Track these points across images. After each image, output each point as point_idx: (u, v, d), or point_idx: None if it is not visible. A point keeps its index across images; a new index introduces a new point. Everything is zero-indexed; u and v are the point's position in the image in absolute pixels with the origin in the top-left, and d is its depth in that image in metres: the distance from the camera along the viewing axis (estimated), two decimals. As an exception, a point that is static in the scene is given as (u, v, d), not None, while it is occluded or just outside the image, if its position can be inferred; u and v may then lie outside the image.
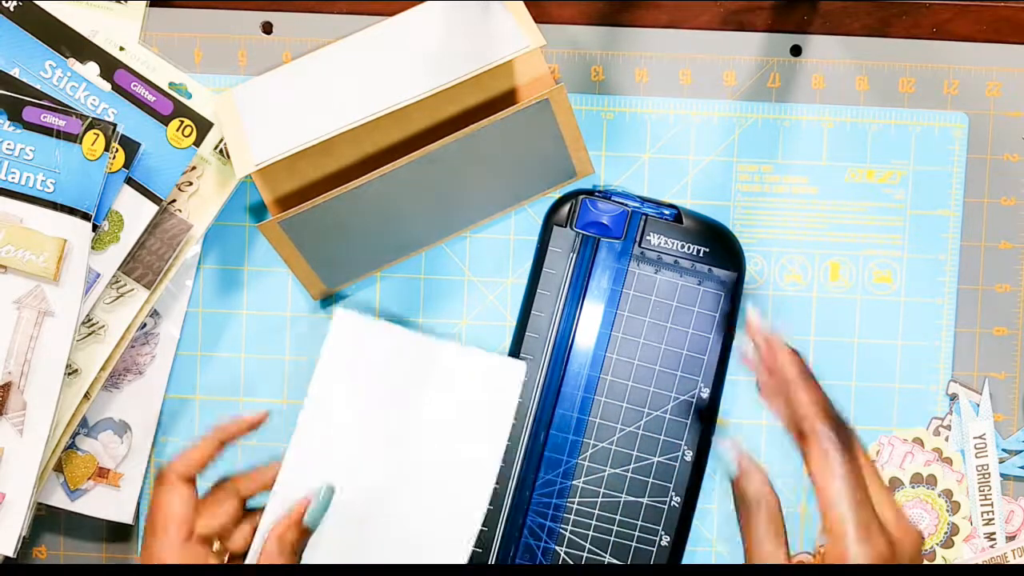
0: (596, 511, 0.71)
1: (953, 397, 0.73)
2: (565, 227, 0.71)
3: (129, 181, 0.69)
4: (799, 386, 0.60)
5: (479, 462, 0.69)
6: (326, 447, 0.68)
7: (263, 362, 0.73)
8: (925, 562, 0.73)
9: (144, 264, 0.70)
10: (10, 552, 0.67)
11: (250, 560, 0.66)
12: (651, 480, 0.71)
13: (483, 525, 0.71)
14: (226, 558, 0.66)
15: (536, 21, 0.67)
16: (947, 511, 0.73)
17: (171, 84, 0.71)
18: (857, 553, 0.57)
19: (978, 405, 0.73)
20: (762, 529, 0.61)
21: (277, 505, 0.67)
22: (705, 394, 0.71)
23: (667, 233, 0.70)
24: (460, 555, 0.69)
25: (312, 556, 0.66)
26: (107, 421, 0.72)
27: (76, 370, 0.70)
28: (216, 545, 0.66)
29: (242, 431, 0.68)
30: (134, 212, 0.69)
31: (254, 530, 0.67)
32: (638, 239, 0.71)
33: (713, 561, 0.73)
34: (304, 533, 0.66)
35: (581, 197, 0.70)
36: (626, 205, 0.71)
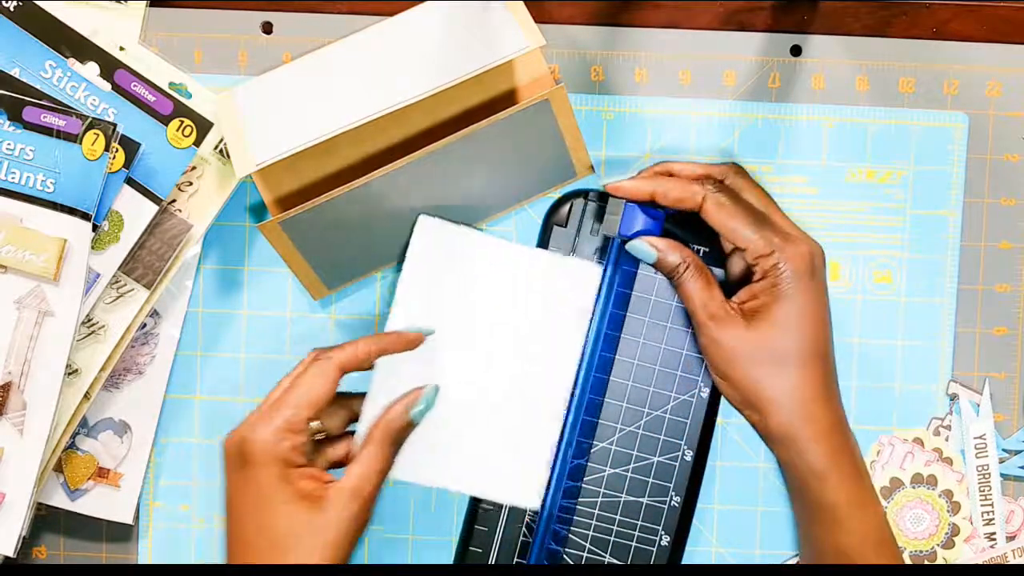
0: (596, 511, 0.71)
1: (953, 397, 0.73)
2: (565, 227, 0.71)
3: (129, 181, 0.69)
4: (688, 174, 0.69)
5: (556, 363, 0.70)
6: (421, 351, 0.68)
7: (263, 362, 0.73)
8: (926, 562, 0.73)
9: (144, 264, 0.70)
10: (10, 552, 0.67)
11: (355, 443, 0.65)
12: (651, 480, 0.71)
13: (483, 526, 0.71)
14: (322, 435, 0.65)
15: (536, 21, 0.67)
16: (947, 511, 0.73)
17: (171, 84, 0.71)
18: (785, 257, 0.65)
19: (978, 405, 0.73)
20: (697, 285, 0.67)
21: (372, 406, 0.66)
22: (705, 394, 0.71)
23: (667, 232, 0.70)
24: (539, 459, 0.70)
25: (403, 453, 0.66)
26: (107, 421, 0.72)
27: (76, 370, 0.70)
28: (315, 424, 0.64)
29: (398, 348, 0.66)
30: (134, 212, 0.69)
31: (347, 416, 0.67)
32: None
33: (713, 561, 0.73)
34: (409, 425, 0.66)
35: (624, 202, 0.68)
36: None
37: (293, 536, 0.60)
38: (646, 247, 0.68)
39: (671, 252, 0.68)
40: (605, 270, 0.70)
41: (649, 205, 0.68)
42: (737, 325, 0.66)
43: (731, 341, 0.66)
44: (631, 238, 0.68)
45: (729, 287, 0.68)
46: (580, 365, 0.70)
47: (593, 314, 0.70)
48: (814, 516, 0.66)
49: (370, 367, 0.66)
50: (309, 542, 0.60)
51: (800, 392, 0.65)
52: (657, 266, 0.69)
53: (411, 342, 0.67)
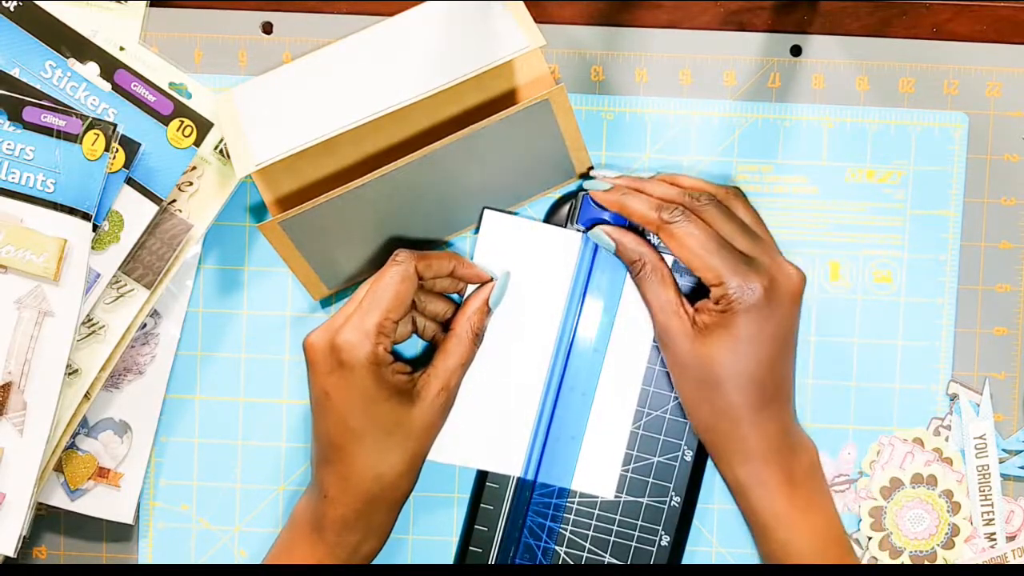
0: (596, 511, 0.71)
1: (953, 397, 0.73)
2: (565, 227, 0.71)
3: (129, 181, 0.69)
4: (650, 191, 0.68)
5: (625, 353, 0.71)
6: (489, 343, 0.70)
7: (263, 362, 0.73)
8: (926, 562, 0.73)
9: (144, 264, 0.70)
10: (10, 552, 0.67)
11: (453, 338, 0.68)
12: (651, 480, 0.71)
13: (483, 525, 0.71)
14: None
15: (536, 21, 0.67)
16: (947, 512, 0.73)
17: (171, 84, 0.72)
18: (738, 288, 0.65)
19: (978, 405, 0.73)
20: (653, 282, 0.68)
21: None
22: (705, 394, 0.71)
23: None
24: (612, 453, 0.71)
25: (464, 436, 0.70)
26: (107, 421, 0.72)
27: (76, 370, 0.70)
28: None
29: (469, 276, 0.69)
30: (134, 212, 0.69)
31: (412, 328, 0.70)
32: (638, 239, 0.71)
33: (713, 561, 0.73)
34: (489, 313, 0.69)
35: (582, 194, 0.70)
36: None
37: (393, 425, 0.65)
38: (605, 237, 0.69)
39: (630, 245, 0.69)
40: (580, 267, 0.70)
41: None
42: (686, 335, 0.66)
43: (677, 352, 0.67)
44: (587, 226, 0.70)
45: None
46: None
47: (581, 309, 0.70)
48: (746, 520, 0.69)
49: (451, 287, 0.69)
50: (407, 429, 0.66)
51: (729, 413, 0.67)
52: (618, 257, 0.69)
53: (480, 277, 0.70)
